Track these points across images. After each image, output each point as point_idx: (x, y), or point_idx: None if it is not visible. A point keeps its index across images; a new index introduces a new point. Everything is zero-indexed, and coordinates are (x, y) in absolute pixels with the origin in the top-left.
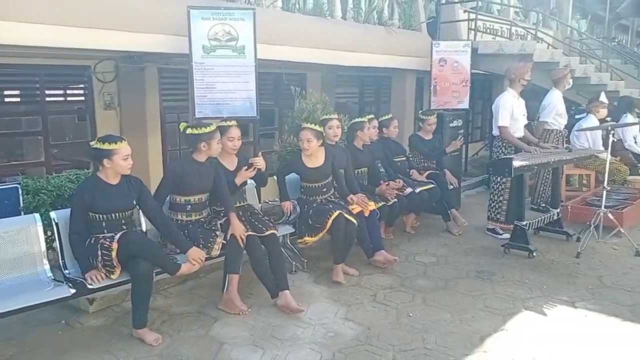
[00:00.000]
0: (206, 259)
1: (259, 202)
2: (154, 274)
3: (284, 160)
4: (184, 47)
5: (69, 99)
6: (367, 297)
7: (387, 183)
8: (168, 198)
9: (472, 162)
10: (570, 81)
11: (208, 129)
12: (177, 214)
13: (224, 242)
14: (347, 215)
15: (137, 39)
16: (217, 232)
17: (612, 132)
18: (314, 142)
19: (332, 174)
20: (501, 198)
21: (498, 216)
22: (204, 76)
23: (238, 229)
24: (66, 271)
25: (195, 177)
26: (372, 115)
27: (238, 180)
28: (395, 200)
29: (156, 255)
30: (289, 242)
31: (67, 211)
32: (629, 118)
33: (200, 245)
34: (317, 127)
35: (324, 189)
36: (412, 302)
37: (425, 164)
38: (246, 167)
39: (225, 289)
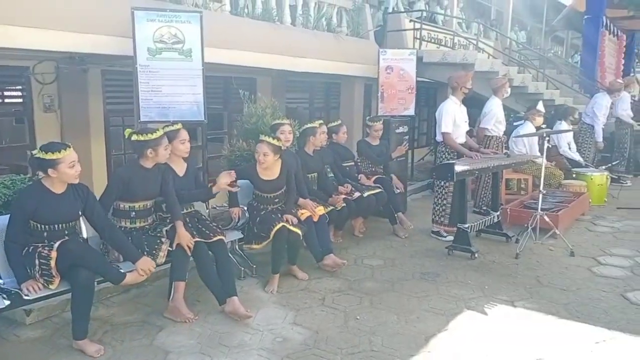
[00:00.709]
0: None
1: (207, 208)
2: (95, 282)
3: (234, 165)
4: (129, 49)
5: (6, 100)
6: (316, 301)
7: (337, 194)
8: None
9: (418, 166)
10: (509, 90)
11: (154, 135)
12: (121, 220)
13: (170, 249)
14: (290, 227)
15: (79, 40)
16: (163, 239)
17: (547, 138)
18: (270, 156)
19: (286, 185)
20: (445, 202)
21: (442, 219)
22: (150, 79)
23: (184, 238)
24: (0, 281)
25: (142, 184)
26: (321, 121)
27: (215, 189)
28: (344, 205)
29: (98, 264)
30: (237, 248)
31: (3, 218)
32: (564, 125)
33: (145, 253)
34: (275, 142)
35: (276, 200)
36: (360, 304)
37: (373, 169)
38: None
39: (171, 296)
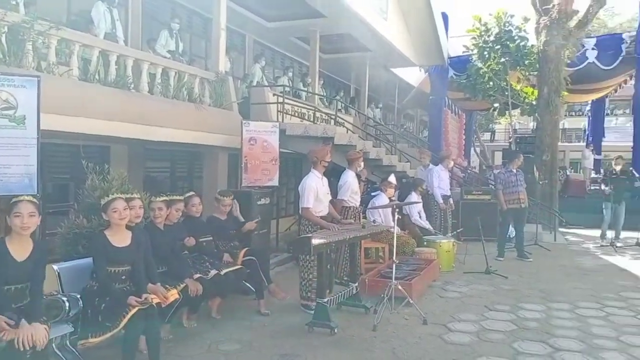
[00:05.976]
0: None
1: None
2: None
3: (72, 245)
4: None
5: None
6: None
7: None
8: None
9: (284, 237)
10: (362, 164)
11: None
12: None
13: None
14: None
15: None
16: None
17: (397, 209)
18: (128, 210)
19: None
20: (310, 275)
21: (309, 294)
22: None
23: None
24: None
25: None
26: (179, 197)
27: None
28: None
29: None
30: (68, 344)
31: None
32: (414, 196)
33: None
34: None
35: (123, 277)
36: None
37: (231, 244)
38: None
39: None
